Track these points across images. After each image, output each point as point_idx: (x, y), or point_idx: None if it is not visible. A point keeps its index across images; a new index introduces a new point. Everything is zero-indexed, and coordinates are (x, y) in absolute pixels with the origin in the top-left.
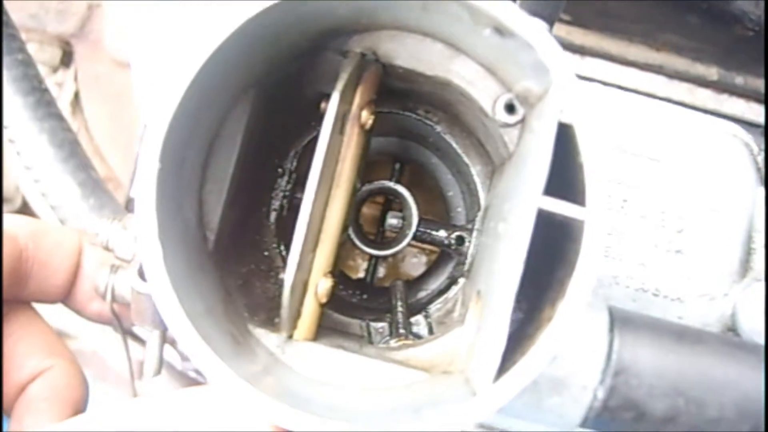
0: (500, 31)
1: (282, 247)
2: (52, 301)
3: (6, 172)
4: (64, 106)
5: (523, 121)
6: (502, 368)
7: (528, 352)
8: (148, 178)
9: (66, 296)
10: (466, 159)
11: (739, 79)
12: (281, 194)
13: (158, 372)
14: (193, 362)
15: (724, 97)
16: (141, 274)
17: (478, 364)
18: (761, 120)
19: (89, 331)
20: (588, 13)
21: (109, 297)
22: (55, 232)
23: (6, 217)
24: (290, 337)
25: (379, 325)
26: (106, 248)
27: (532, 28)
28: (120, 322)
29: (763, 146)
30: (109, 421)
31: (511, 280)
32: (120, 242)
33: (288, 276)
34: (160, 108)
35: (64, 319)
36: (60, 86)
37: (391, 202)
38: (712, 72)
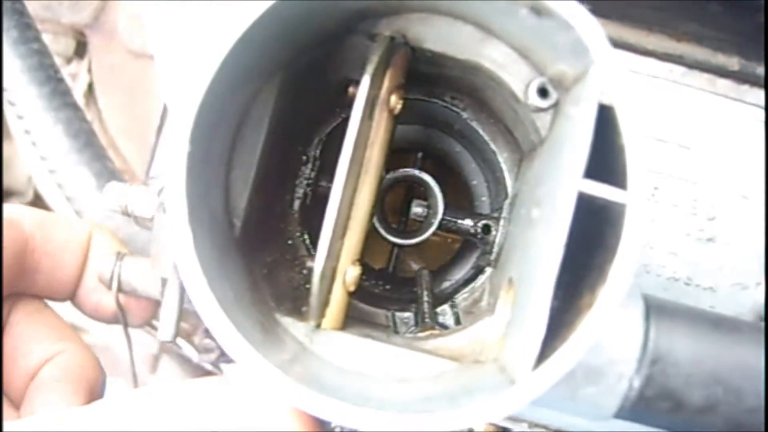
0: (537, 10)
1: (306, 236)
2: (61, 297)
3: (18, 164)
4: (77, 97)
5: (556, 105)
6: (541, 356)
7: (569, 338)
8: (178, 161)
9: (75, 292)
10: (492, 146)
11: (760, 69)
12: (305, 182)
13: (175, 336)
14: (225, 350)
15: (746, 87)
16: (161, 207)
17: (516, 352)
18: None
19: (100, 326)
20: (608, 2)
21: (114, 285)
22: (64, 223)
23: (11, 206)
24: (318, 326)
25: (405, 315)
26: (125, 212)
27: (572, 8)
28: (123, 313)
29: None
30: (121, 409)
31: (550, 266)
32: (139, 200)
33: (318, 263)
34: (189, 90)
35: (75, 312)
36: (74, 77)
37: (414, 192)
38: (733, 62)
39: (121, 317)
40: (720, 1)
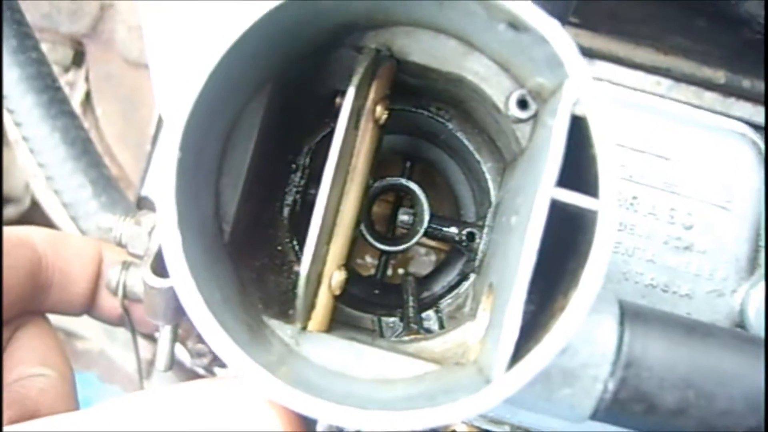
0: (515, 26)
1: (295, 243)
2: (76, 312)
3: (15, 171)
4: (75, 105)
5: (535, 116)
6: (516, 357)
7: (542, 340)
8: (169, 166)
9: (90, 306)
10: (477, 156)
11: (746, 83)
12: (294, 190)
13: (170, 367)
14: (213, 349)
15: (732, 100)
16: (154, 270)
17: (491, 353)
18: None
19: (97, 332)
20: (596, 15)
21: (120, 293)
22: (74, 241)
23: (23, 228)
24: (304, 328)
25: (390, 320)
26: (120, 244)
27: (547, 23)
28: (130, 319)
29: None
30: (118, 411)
31: (524, 268)
32: (133, 238)
33: (303, 267)
34: (181, 97)
35: (72, 320)
36: (71, 86)
37: (402, 201)
38: (720, 75)
39: (127, 322)
40: (706, 16)
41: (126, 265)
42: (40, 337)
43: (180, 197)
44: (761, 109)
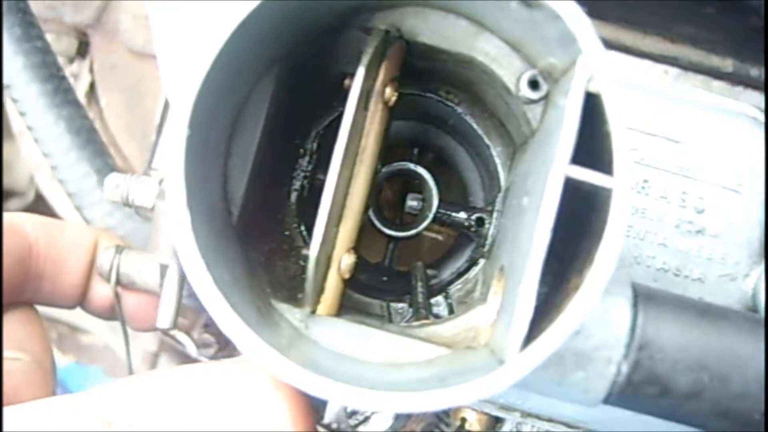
0: (527, 2)
1: (303, 227)
2: (69, 305)
3: (19, 165)
4: (79, 96)
5: (546, 97)
6: (530, 338)
7: (556, 319)
8: (177, 144)
9: (83, 299)
10: (486, 140)
11: (754, 71)
12: (302, 174)
13: (174, 323)
14: (223, 330)
15: (740, 89)
16: (161, 195)
17: (504, 335)
18: None
19: (101, 326)
20: (605, 4)
21: (113, 278)
22: (69, 229)
23: (13, 213)
24: (313, 312)
25: (399, 305)
26: (126, 202)
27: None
28: (120, 308)
29: None
30: (120, 393)
31: (538, 246)
32: (140, 189)
33: (313, 249)
34: (190, 76)
35: (76, 314)
36: (76, 77)
37: (409, 187)
38: (728, 64)
39: (117, 309)
40: (714, 4)
41: (119, 249)
42: (21, 322)
43: (189, 176)
44: None
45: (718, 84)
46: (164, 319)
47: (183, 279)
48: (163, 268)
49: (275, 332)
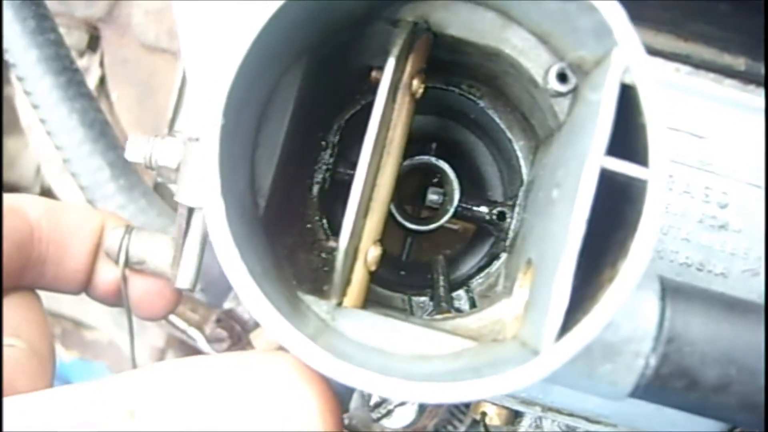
0: None
1: (324, 221)
2: (73, 290)
3: (25, 158)
4: None
5: (575, 90)
6: (563, 330)
7: (591, 310)
8: (212, 134)
9: (87, 284)
10: (509, 134)
11: None
12: (324, 168)
13: (194, 283)
14: (257, 319)
15: (752, 87)
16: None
17: (536, 327)
18: None
19: (106, 322)
20: (618, 1)
21: (122, 260)
22: (74, 212)
23: (15, 195)
24: (340, 304)
25: (421, 299)
26: (148, 164)
27: None
28: (126, 288)
29: None
30: (127, 383)
31: (574, 238)
32: (165, 149)
33: (342, 241)
34: (223, 66)
35: (81, 309)
36: (86, 71)
37: (428, 181)
38: (740, 62)
39: (124, 292)
40: (729, 1)
41: (129, 230)
42: (19, 307)
43: (223, 165)
44: None
45: (729, 82)
46: (184, 279)
47: (205, 239)
48: (188, 213)
49: (304, 323)
